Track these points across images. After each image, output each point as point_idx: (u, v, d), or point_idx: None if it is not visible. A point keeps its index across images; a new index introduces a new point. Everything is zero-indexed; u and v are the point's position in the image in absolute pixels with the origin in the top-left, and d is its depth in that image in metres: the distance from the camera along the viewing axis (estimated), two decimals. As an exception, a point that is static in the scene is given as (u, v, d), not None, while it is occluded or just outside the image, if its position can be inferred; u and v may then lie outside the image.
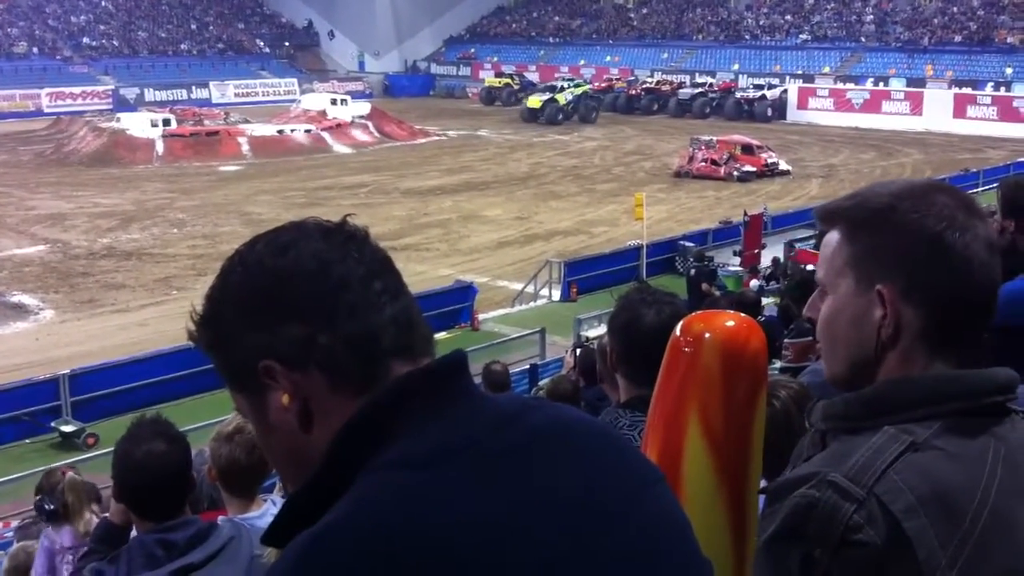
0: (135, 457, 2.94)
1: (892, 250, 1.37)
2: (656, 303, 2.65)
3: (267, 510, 3.51)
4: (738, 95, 50.30)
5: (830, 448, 1.37)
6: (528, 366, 14.24)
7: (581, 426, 1.27)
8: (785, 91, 50.54)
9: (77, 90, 52.57)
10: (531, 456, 1.18)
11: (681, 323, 1.91)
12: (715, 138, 34.36)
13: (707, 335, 1.84)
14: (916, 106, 47.15)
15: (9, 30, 57.93)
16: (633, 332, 2.58)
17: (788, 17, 58.94)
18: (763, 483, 1.84)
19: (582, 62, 60.77)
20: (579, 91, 49.32)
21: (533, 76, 59.47)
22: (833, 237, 1.44)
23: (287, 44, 65.73)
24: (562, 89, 49.05)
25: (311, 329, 1.19)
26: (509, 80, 57.55)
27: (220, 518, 3.53)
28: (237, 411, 1.30)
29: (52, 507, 4.77)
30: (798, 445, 1.53)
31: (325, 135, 40.17)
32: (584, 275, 20.35)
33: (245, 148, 37.50)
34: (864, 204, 1.42)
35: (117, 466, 3.01)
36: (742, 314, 1.98)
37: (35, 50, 56.89)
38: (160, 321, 18.38)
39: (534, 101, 48.19)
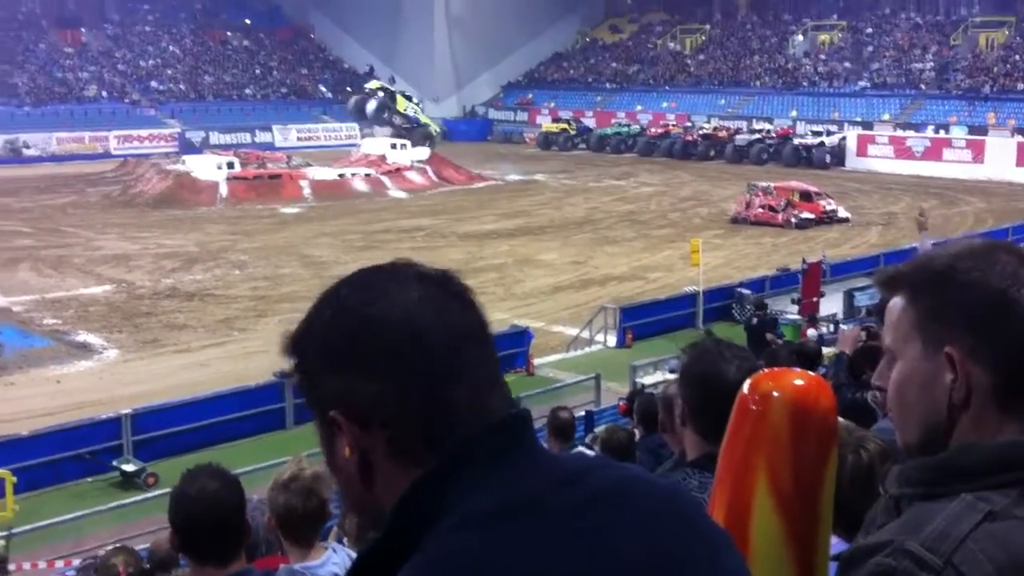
0: (189, 495, 3.00)
1: (957, 310, 1.36)
2: (736, 358, 2.58)
3: (328, 558, 3.56)
4: (796, 141, 50.02)
5: (905, 515, 1.36)
6: (583, 412, 14.21)
7: (648, 488, 1.26)
8: (844, 138, 50.17)
9: (144, 133, 53.87)
10: (595, 516, 1.17)
11: (749, 381, 1.87)
12: (773, 184, 34.18)
13: (776, 394, 1.80)
14: (978, 154, 46.48)
15: (80, 74, 59.64)
16: (711, 387, 2.48)
17: (847, 64, 58.66)
18: (834, 544, 1.81)
19: (639, 107, 60.96)
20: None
21: (590, 121, 59.77)
22: (897, 303, 1.44)
23: (349, 89, 66.75)
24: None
25: (383, 391, 1.19)
26: (566, 125, 57.94)
27: (282, 566, 3.55)
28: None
29: None
30: (871, 510, 1.51)
31: (384, 179, 40.65)
32: (640, 321, 20.27)
33: (306, 191, 38.10)
34: (925, 267, 1.42)
35: (172, 507, 3.06)
36: (811, 372, 1.95)
37: (104, 94, 58.46)
38: (221, 362, 18.71)
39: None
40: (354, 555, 3.61)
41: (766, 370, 2.00)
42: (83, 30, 63.29)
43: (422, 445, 1.19)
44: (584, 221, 33.81)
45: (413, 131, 47.04)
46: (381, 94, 47.03)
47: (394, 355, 1.19)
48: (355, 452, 1.21)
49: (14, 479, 12.63)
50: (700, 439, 2.56)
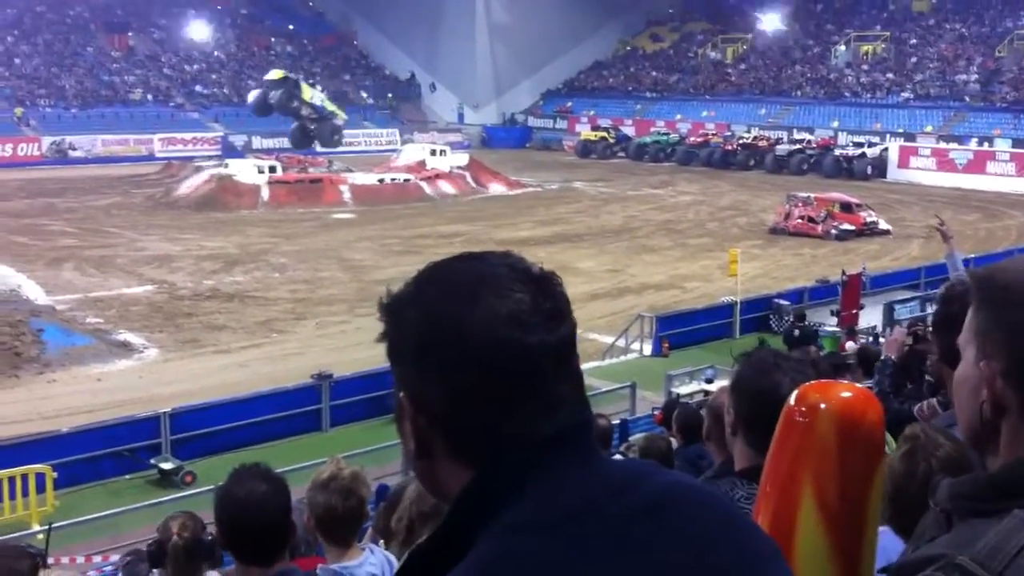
0: (236, 497, 3.03)
1: (1003, 329, 1.36)
2: (792, 371, 2.54)
3: (365, 559, 3.60)
4: (837, 152, 49.64)
5: (956, 529, 1.35)
6: (618, 421, 14.19)
7: (699, 496, 1.27)
8: (886, 149, 49.73)
9: (188, 136, 54.49)
10: (648, 525, 1.18)
11: (796, 392, 1.87)
12: (813, 195, 33.95)
13: (823, 405, 1.79)
14: (1022, 167, 45.89)
15: (126, 78, 60.47)
16: (764, 399, 2.43)
17: (890, 75, 58.12)
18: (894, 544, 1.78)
19: (678, 116, 60.79)
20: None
21: (629, 130, 59.70)
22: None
23: (390, 96, 67.23)
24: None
25: (448, 397, 1.20)
26: (605, 134, 57.91)
27: (319, 567, 3.59)
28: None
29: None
30: (920, 523, 1.51)
31: (423, 184, 40.85)
32: (676, 330, 20.21)
33: (346, 196, 38.37)
34: (989, 278, 1.41)
35: (219, 508, 3.09)
36: (858, 384, 1.96)
37: (149, 97, 59.22)
38: (259, 363, 18.86)
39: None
40: (390, 556, 3.66)
41: (813, 382, 1.98)
42: (130, 34, 64.21)
43: (479, 449, 1.20)
44: (621, 229, 33.77)
45: (321, 122, 46.26)
46: (284, 84, 45.47)
47: (466, 367, 1.19)
48: (417, 436, 1.24)
49: (54, 475, 12.86)
50: (750, 450, 2.54)
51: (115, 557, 9.29)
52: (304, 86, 46.66)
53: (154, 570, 5.01)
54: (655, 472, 1.28)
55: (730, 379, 2.79)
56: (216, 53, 66.13)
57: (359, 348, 19.49)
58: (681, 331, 20.27)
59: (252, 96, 47.67)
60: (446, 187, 41.37)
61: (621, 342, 20.11)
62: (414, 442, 1.24)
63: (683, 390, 15.18)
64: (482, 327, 1.19)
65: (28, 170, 38.86)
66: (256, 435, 15.20)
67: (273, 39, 69.29)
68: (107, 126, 53.20)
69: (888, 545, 2.17)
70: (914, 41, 60.53)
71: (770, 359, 2.65)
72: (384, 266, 27.22)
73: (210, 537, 4.78)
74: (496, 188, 43.20)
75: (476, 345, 1.18)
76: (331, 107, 47.61)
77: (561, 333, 1.24)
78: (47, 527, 6.68)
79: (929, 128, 52.53)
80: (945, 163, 48.07)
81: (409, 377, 1.23)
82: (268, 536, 3.03)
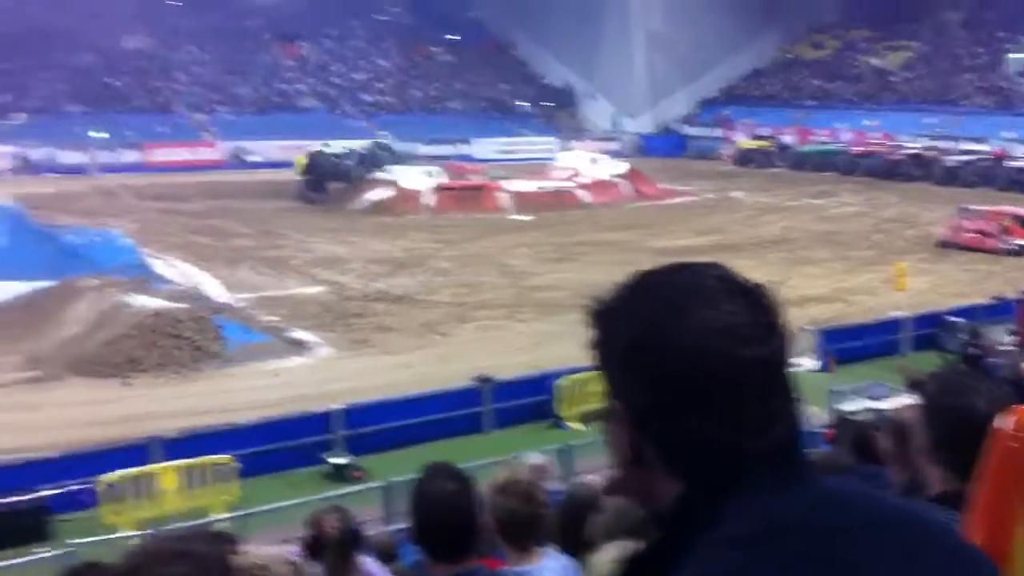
0: (427, 495, 3.16)
1: None
2: (988, 392, 2.46)
3: (544, 563, 3.63)
4: (1011, 164, 47.40)
5: None
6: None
7: (911, 517, 1.24)
8: (1065, 162, 47.22)
9: (355, 143, 56.26)
10: (856, 545, 1.16)
11: (1010, 416, 1.79)
12: (986, 208, 32.60)
13: None
14: None
15: (298, 86, 62.96)
16: (959, 420, 2.36)
17: (1069, 83, 55.19)
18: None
19: (840, 125, 59.21)
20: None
21: (788, 138, 58.51)
22: None
23: (548, 104, 67.84)
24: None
25: (660, 408, 1.21)
26: (764, 142, 56.91)
27: (502, 570, 3.65)
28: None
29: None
30: None
31: (580, 192, 41.06)
32: (841, 345, 19.68)
33: (505, 202, 38.97)
34: None
35: (411, 503, 3.23)
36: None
37: (319, 105, 61.41)
38: (424, 364, 19.22)
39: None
40: (568, 562, 3.71)
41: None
42: (303, 44, 66.82)
43: (691, 460, 1.21)
44: (780, 240, 33.16)
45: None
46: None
47: (676, 380, 1.20)
48: (628, 443, 1.26)
49: (236, 465, 13.28)
50: (945, 473, 2.44)
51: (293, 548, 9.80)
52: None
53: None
54: (864, 492, 1.28)
55: (922, 399, 2.66)
56: (382, 62, 68.14)
57: (518, 352, 19.92)
58: (846, 346, 19.79)
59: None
60: (602, 195, 41.47)
61: (783, 355, 19.75)
62: (625, 449, 1.26)
63: (849, 407, 14.90)
64: (694, 338, 1.19)
65: (207, 174, 40.85)
66: (420, 434, 15.51)
67: (434, 48, 70.92)
68: (280, 132, 55.48)
69: None
70: (1097, 48, 57.31)
71: (961, 378, 2.60)
72: (541, 272, 27.61)
73: (355, 529, 5.08)
74: (652, 196, 43.09)
75: (688, 356, 1.19)
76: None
77: (774, 346, 1.23)
78: (234, 515, 7.11)
79: (1113, 139, 49.59)
80: None
81: (620, 384, 1.25)
82: (455, 534, 3.12)
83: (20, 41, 58.06)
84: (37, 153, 48.73)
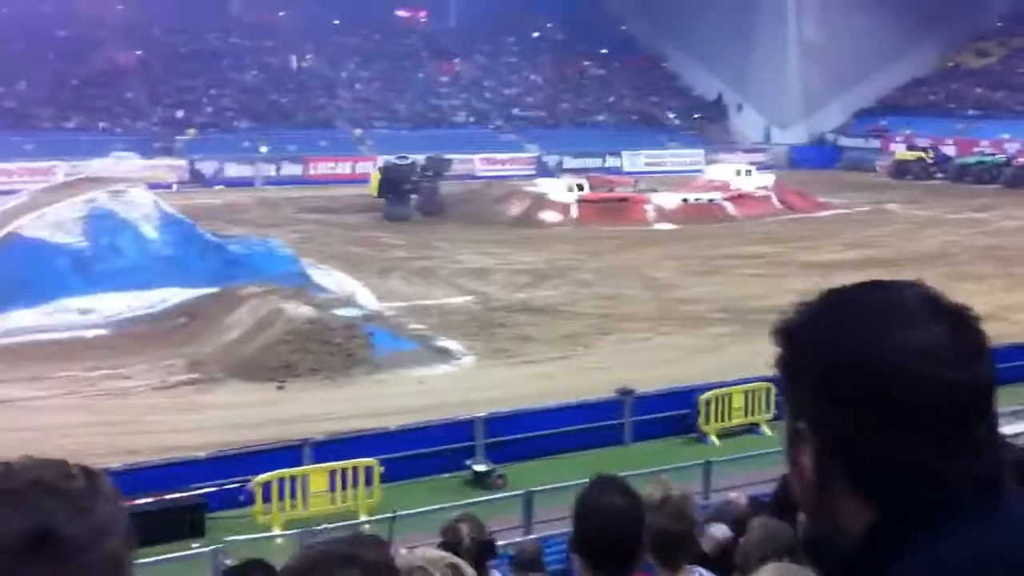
0: (595, 507, 3.18)
1: None
2: None
3: None
4: None
5: None
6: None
7: None
8: None
9: (505, 156, 56.91)
10: None
11: None
12: None
13: None
14: None
15: (452, 101, 64.37)
16: None
17: None
18: None
19: (1005, 136, 56.54)
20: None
21: (949, 150, 56.28)
22: None
23: (696, 116, 67.28)
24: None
25: (856, 431, 1.17)
26: (922, 153, 54.91)
27: None
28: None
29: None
30: None
31: (727, 205, 40.58)
32: (1002, 365, 18.75)
33: (650, 215, 38.80)
34: None
35: (580, 517, 3.24)
36: None
37: (472, 119, 62.58)
38: (565, 375, 19.32)
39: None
40: None
41: None
42: (457, 60, 68.24)
43: (887, 485, 1.17)
44: (938, 255, 31.96)
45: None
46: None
47: (878, 402, 1.16)
48: (815, 467, 1.21)
49: (381, 469, 13.54)
50: None
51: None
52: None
53: None
54: None
55: None
56: (532, 77, 68.95)
57: (660, 365, 19.86)
58: (1008, 366, 18.95)
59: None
60: (750, 207, 40.86)
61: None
62: (812, 472, 1.21)
63: (1009, 429, 14.30)
64: (897, 359, 1.15)
65: (364, 187, 42.05)
66: (561, 444, 15.64)
67: (586, 63, 71.29)
68: (435, 146, 56.75)
69: None
70: None
71: None
72: (685, 285, 27.42)
73: (490, 538, 5.21)
74: (801, 209, 42.19)
75: (889, 378, 1.15)
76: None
77: (982, 371, 1.19)
78: (392, 515, 7.27)
79: None
80: None
81: (811, 405, 1.20)
82: (620, 549, 3.13)
83: (192, 59, 61.44)
84: (206, 166, 51.39)
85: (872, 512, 1.18)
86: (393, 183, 39.34)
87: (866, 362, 1.16)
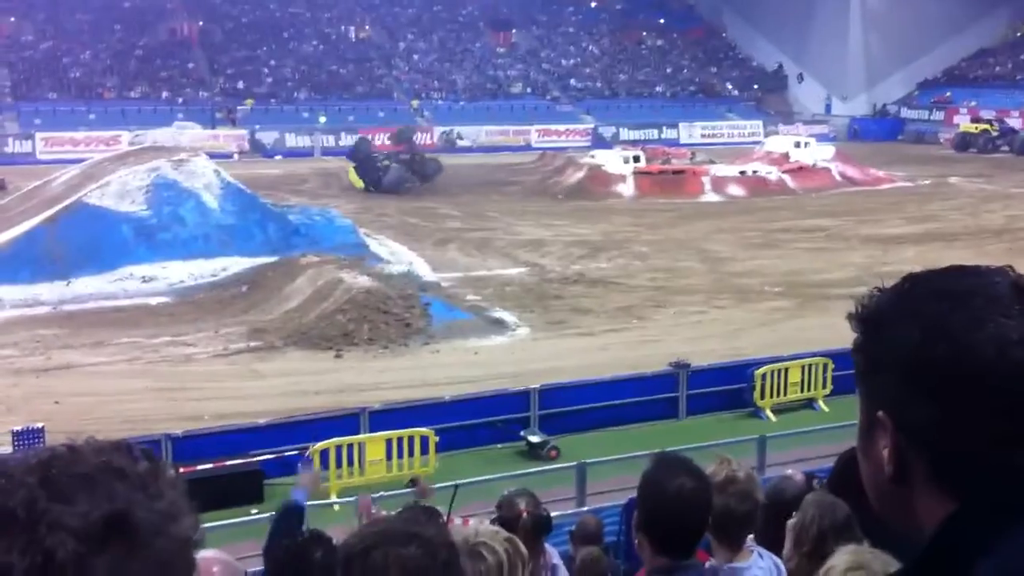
0: (665, 489, 3.11)
1: None
2: None
3: (754, 562, 3.61)
4: None
5: None
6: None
7: None
8: None
9: (562, 128, 56.56)
10: None
11: None
12: None
13: None
14: None
15: (509, 72, 64.24)
16: None
17: None
18: None
19: (1076, 108, 55.13)
20: None
21: (1015, 122, 54.97)
22: None
23: (756, 87, 66.43)
24: None
25: (943, 421, 1.13)
26: (987, 126, 53.73)
27: (720, 566, 3.58)
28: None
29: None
30: None
31: (786, 177, 40.12)
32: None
33: (708, 187, 38.48)
34: None
35: (644, 492, 3.20)
36: None
37: (529, 90, 62.41)
38: (619, 347, 19.28)
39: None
40: (778, 562, 3.61)
41: None
42: (514, 31, 67.98)
43: (972, 479, 1.13)
44: (1003, 230, 31.34)
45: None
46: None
47: (970, 393, 1.12)
48: (893, 458, 1.18)
49: (436, 438, 13.61)
50: None
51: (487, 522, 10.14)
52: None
53: None
54: None
55: None
56: (590, 48, 68.50)
57: (715, 339, 19.79)
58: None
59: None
60: (808, 180, 40.35)
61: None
62: (891, 464, 1.18)
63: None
64: (993, 349, 1.11)
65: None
66: (615, 417, 15.67)
67: (644, 33, 70.61)
68: (490, 118, 56.71)
69: None
70: None
71: None
72: (742, 259, 27.22)
73: (546, 513, 5.25)
74: (861, 182, 41.57)
75: (985, 368, 1.11)
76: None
77: None
78: (454, 486, 7.34)
79: None
80: None
81: (893, 394, 1.17)
82: (686, 530, 3.12)
83: (253, 30, 61.91)
84: (266, 137, 51.96)
85: (951, 507, 1.15)
86: (365, 167, 39.32)
87: (961, 353, 1.12)
